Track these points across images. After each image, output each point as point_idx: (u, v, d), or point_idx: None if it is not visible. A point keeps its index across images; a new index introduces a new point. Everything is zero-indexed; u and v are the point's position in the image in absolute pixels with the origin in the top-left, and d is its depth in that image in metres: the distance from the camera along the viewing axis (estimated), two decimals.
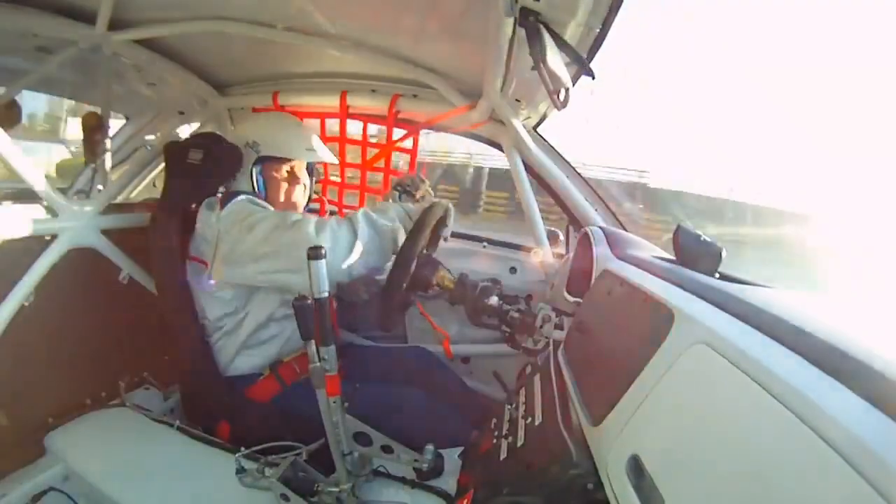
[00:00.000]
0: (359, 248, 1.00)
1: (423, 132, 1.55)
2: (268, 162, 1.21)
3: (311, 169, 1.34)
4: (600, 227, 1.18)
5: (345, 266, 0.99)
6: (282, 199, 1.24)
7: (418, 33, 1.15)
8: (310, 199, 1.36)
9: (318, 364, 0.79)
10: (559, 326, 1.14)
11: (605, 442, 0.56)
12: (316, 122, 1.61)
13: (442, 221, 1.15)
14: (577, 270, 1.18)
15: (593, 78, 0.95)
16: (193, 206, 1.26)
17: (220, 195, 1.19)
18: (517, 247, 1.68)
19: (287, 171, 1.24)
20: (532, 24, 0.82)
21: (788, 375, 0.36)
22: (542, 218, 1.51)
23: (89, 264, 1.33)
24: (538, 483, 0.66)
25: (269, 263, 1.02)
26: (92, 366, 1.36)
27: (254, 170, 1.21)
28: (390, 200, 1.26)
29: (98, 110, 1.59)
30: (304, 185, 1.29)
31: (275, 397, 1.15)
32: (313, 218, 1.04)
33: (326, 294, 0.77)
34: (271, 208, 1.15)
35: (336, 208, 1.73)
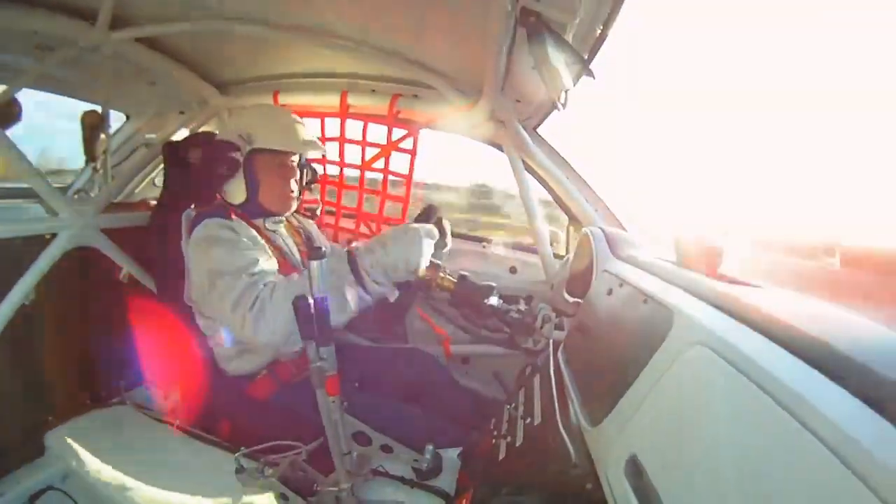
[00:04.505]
0: (277, 315, 0.98)
1: None
2: (261, 154, 1.20)
3: (301, 164, 1.31)
4: (600, 228, 1.18)
5: (265, 337, 0.99)
6: (275, 192, 1.22)
7: (418, 33, 1.15)
8: (301, 194, 1.34)
9: (319, 364, 0.79)
10: (559, 327, 1.14)
11: (604, 442, 0.56)
12: (316, 122, 1.61)
13: (439, 225, 1.15)
14: (577, 271, 1.18)
15: (594, 78, 0.95)
16: (193, 205, 1.26)
17: (191, 215, 1.18)
18: (517, 247, 1.68)
19: (280, 164, 1.22)
20: (532, 24, 0.82)
21: (786, 377, 0.36)
22: None
23: (89, 264, 1.33)
24: (537, 483, 0.66)
25: (211, 309, 1.10)
26: (92, 364, 1.36)
27: (246, 163, 1.19)
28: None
29: (98, 109, 1.60)
30: (296, 180, 1.27)
31: (274, 397, 1.14)
32: (238, 287, 1.00)
33: (325, 295, 0.77)
34: (230, 232, 1.10)
35: (334, 209, 1.73)
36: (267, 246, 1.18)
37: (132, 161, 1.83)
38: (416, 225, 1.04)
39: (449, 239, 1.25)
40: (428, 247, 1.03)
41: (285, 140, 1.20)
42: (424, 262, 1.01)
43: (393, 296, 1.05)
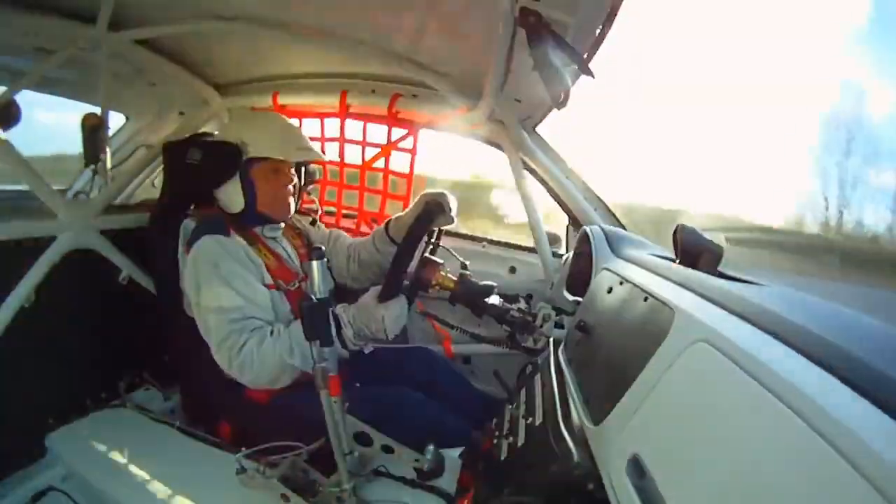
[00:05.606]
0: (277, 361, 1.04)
1: None
2: (256, 163, 1.20)
3: (300, 169, 1.32)
4: (600, 227, 1.18)
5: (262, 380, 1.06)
6: (271, 199, 1.23)
7: (418, 33, 1.15)
8: (300, 199, 1.34)
9: (322, 365, 0.79)
10: (559, 325, 1.15)
11: (606, 441, 0.56)
12: (316, 122, 1.61)
13: (441, 214, 1.15)
14: (577, 269, 1.18)
15: (593, 77, 0.95)
16: (192, 206, 1.26)
17: (189, 226, 1.18)
18: (517, 247, 1.68)
19: (275, 172, 1.22)
20: (532, 24, 0.82)
21: (788, 373, 0.36)
22: None
23: (89, 265, 1.33)
24: (539, 483, 0.66)
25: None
26: (92, 366, 1.36)
27: (242, 171, 1.19)
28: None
29: (98, 110, 1.60)
30: (294, 186, 1.28)
31: (275, 397, 1.14)
32: (244, 334, 1.05)
33: (327, 295, 0.77)
34: (226, 258, 1.10)
35: (335, 209, 1.73)
36: (265, 257, 1.18)
37: (131, 163, 1.83)
38: (376, 304, 1.07)
39: (455, 215, 1.24)
40: (396, 315, 1.06)
41: (279, 148, 1.20)
42: (392, 329, 1.07)
43: (367, 349, 1.13)
